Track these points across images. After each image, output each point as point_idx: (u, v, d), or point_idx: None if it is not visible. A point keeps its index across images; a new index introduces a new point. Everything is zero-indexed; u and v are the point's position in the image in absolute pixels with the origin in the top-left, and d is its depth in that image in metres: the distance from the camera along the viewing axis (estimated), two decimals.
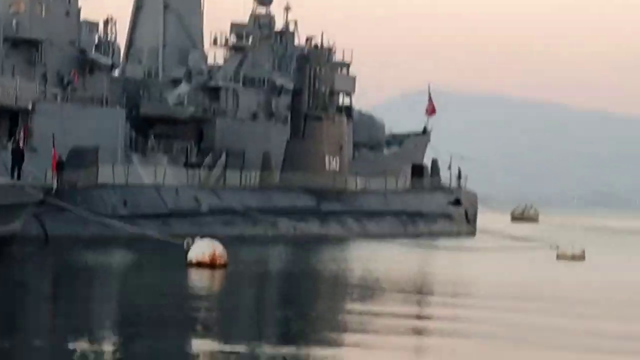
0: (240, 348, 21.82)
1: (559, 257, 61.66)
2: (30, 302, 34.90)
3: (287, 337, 25.65)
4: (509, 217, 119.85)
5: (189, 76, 76.85)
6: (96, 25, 71.63)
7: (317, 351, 21.91)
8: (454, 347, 23.48)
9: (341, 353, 22.33)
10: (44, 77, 65.94)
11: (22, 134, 60.42)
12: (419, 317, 31.74)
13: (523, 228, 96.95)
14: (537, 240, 74.69)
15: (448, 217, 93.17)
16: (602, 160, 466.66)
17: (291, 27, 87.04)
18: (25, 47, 65.48)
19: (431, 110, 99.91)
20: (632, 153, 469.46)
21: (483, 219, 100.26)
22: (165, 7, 79.44)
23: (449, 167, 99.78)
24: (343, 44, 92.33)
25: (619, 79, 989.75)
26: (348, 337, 25.28)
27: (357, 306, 33.63)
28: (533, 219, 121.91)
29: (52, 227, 56.45)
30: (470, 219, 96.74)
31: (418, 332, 27.14)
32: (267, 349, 21.92)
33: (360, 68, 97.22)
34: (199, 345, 22.91)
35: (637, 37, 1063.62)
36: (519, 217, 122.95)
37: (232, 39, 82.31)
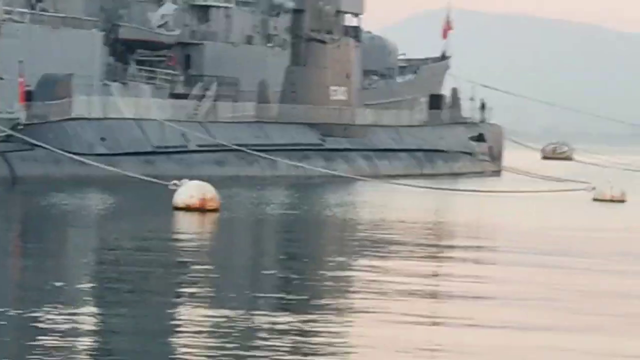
0: (230, 313, 21.51)
1: (594, 199, 62.45)
2: None
3: (284, 302, 25.54)
4: (539, 155, 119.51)
5: None
6: None
7: (319, 319, 21.91)
8: (473, 314, 23.05)
9: (347, 321, 22.32)
10: None
11: None
12: (435, 275, 31.82)
13: (556, 167, 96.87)
14: (572, 181, 74.81)
15: (470, 154, 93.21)
16: None
17: None
18: None
19: (446, 29, 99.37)
20: None
21: (510, 156, 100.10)
22: None
23: (471, 98, 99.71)
24: None
25: None
26: (355, 302, 25.26)
27: (365, 262, 33.67)
28: (567, 157, 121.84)
29: (20, 167, 56.86)
30: (495, 156, 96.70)
31: (434, 295, 27.15)
32: (262, 318, 21.96)
33: None
34: (184, 311, 22.48)
35: None
36: (551, 154, 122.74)
37: None
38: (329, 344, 19.49)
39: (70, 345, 18.81)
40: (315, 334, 20.12)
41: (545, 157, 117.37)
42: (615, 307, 25.32)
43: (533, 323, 21.68)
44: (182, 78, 75.56)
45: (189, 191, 46.72)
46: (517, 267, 32.95)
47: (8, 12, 64.46)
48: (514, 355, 17.69)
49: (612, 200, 61.20)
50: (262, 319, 21.42)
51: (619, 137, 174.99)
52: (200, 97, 73.89)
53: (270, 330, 19.92)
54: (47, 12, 67.47)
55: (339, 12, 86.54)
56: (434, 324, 21.61)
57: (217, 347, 18.56)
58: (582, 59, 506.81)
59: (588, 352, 18.96)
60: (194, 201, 46.03)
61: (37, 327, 20.01)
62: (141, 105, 68.15)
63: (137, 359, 17.23)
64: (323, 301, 25.08)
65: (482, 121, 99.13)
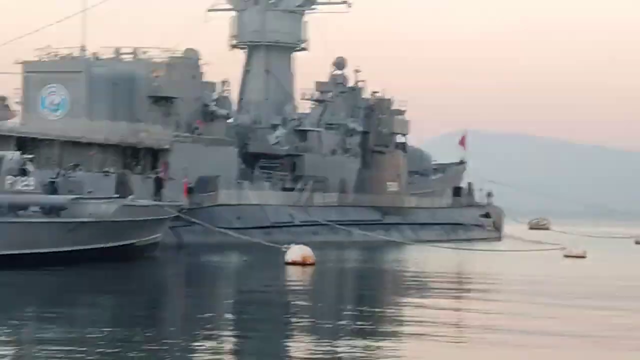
0: (319, 339, 21.74)
1: (565, 255, 61.57)
2: (169, 293, 35.47)
3: (359, 329, 25.38)
4: (527, 226, 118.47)
5: (284, 122, 77.24)
6: (215, 85, 72.06)
7: (383, 343, 21.91)
8: (496, 339, 22.83)
9: (402, 345, 22.28)
10: (177, 124, 66.59)
11: (162, 167, 61.22)
12: (460, 310, 31.64)
13: (538, 234, 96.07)
14: (549, 243, 74.25)
15: (480, 226, 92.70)
16: (602, 181, 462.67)
17: (360, 84, 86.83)
18: (163, 102, 65.93)
19: (462, 142, 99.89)
20: (623, 176, 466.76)
21: (507, 227, 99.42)
22: (267, 71, 79.98)
23: (481, 189, 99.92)
24: (400, 95, 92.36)
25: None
26: (408, 329, 25.17)
27: (413, 299, 33.58)
28: (546, 227, 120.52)
29: (184, 237, 57.31)
30: (497, 228, 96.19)
31: (459, 325, 27.00)
32: (342, 341, 22.02)
33: (413, 112, 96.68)
34: (290, 336, 22.67)
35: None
36: (535, 226, 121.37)
37: (316, 94, 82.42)
38: (389, 357, 19.54)
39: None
40: (382, 352, 20.21)
41: (531, 228, 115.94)
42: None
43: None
44: (289, 177, 75.16)
45: (295, 252, 46.77)
46: (521, 303, 32.10)
47: (176, 136, 65.01)
48: None
49: (577, 257, 60.64)
50: (341, 342, 21.58)
51: (581, 214, 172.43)
52: (302, 190, 73.76)
53: (349, 351, 20.06)
54: (202, 135, 67.96)
55: (392, 133, 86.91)
56: (462, 345, 21.66)
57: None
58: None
59: None
60: (298, 258, 46.03)
61: (193, 348, 20.25)
62: (263, 196, 68.42)
63: None
64: (386, 329, 25.07)
65: (489, 204, 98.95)
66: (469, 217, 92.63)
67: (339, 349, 20.35)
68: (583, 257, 60.83)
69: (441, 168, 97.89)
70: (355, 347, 20.56)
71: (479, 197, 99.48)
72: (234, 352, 20.53)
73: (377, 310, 29.27)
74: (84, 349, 19.04)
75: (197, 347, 20.08)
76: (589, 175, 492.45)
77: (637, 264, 60.76)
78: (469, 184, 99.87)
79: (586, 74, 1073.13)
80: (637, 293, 37.43)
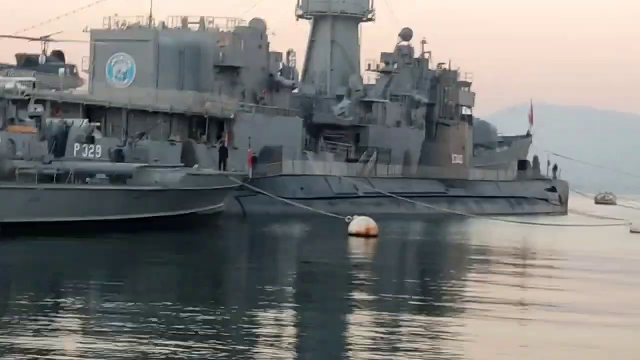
0: (379, 312, 21.54)
1: (631, 231, 60.71)
2: (232, 263, 35.59)
3: (420, 303, 25.14)
4: (593, 201, 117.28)
5: (349, 93, 77.04)
6: (281, 55, 72.21)
7: (444, 319, 21.66)
8: (556, 317, 22.43)
9: (463, 321, 21.97)
10: (242, 94, 66.78)
11: (226, 137, 61.48)
12: (521, 286, 31.30)
13: (604, 209, 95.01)
14: (615, 219, 73.30)
15: (545, 200, 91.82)
16: None
17: (426, 56, 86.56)
18: (229, 72, 66.23)
19: (530, 119, 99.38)
20: None
21: (573, 202, 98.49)
22: (332, 41, 79.84)
23: (548, 162, 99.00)
24: (466, 67, 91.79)
25: None
26: (467, 305, 24.86)
27: (474, 274, 33.31)
28: (612, 202, 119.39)
29: (248, 206, 57.56)
30: (563, 202, 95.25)
31: (522, 302, 26.55)
32: (404, 316, 21.81)
33: (479, 85, 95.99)
34: (349, 309, 22.29)
35: None
36: (600, 201, 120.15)
37: (382, 65, 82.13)
38: (450, 334, 19.31)
39: (276, 332, 18.93)
40: (442, 327, 20.01)
41: (596, 202, 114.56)
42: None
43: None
44: (353, 148, 75.15)
45: (358, 223, 46.74)
46: (585, 280, 31.52)
47: (242, 106, 65.14)
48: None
49: None
50: (403, 316, 21.42)
51: None
52: (366, 161, 73.68)
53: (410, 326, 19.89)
54: (267, 105, 68.10)
55: (458, 105, 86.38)
56: (524, 322, 21.37)
57: (370, 336, 18.56)
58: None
59: None
60: (361, 230, 46.01)
61: (256, 319, 20.19)
62: (327, 167, 68.38)
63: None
64: (447, 304, 24.83)
65: (554, 178, 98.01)
66: (534, 191, 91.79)
67: (400, 324, 20.31)
68: None
69: (507, 141, 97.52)
70: (415, 321, 20.48)
71: (544, 170, 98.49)
72: (296, 324, 20.55)
73: (439, 284, 29.03)
74: (148, 320, 19.13)
75: (259, 319, 20.14)
76: None
77: None
78: (535, 157, 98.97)
79: None
80: None
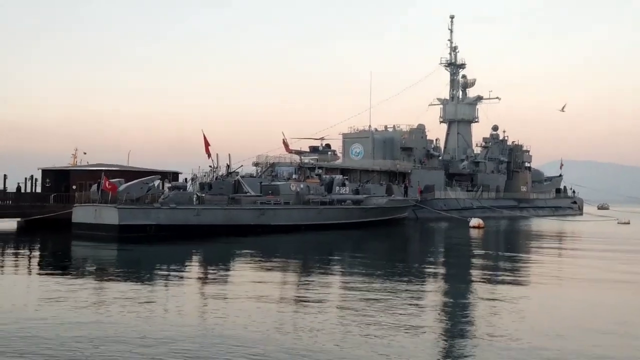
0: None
1: (618, 222, 57.05)
2: (411, 240, 35.70)
3: (510, 256, 24.52)
4: (596, 208, 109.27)
5: (467, 158, 76.44)
6: (432, 140, 71.59)
7: (522, 262, 21.07)
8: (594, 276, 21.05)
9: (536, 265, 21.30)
10: (414, 160, 66.96)
11: (407, 181, 61.36)
12: (559, 249, 30.12)
13: (602, 212, 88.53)
14: (609, 217, 68.74)
15: (571, 208, 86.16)
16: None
17: (506, 138, 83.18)
18: (408, 150, 67.04)
19: (560, 167, 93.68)
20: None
21: (586, 208, 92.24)
22: (458, 133, 79.24)
23: (572, 189, 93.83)
24: (526, 142, 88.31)
25: None
26: (531, 267, 24.13)
27: (533, 248, 32.15)
28: (607, 208, 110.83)
29: (419, 214, 56.50)
30: (580, 209, 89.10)
31: (560, 264, 25.57)
32: (501, 262, 21.21)
33: (534, 150, 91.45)
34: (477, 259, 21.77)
35: None
36: (600, 207, 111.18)
37: (483, 143, 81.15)
38: (530, 273, 18.87)
39: (433, 270, 19.09)
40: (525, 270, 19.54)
41: (598, 209, 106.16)
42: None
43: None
44: (470, 185, 73.32)
45: (474, 221, 46.15)
46: (596, 248, 29.59)
47: (414, 166, 64.87)
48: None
49: (624, 223, 55.85)
50: (500, 263, 20.97)
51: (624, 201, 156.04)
52: (477, 191, 71.58)
53: (499, 277, 19.40)
54: (426, 165, 67.58)
55: (523, 162, 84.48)
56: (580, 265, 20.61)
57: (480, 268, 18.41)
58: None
59: None
60: (476, 224, 45.38)
61: (422, 270, 20.35)
62: (457, 194, 66.87)
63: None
64: (522, 259, 24.11)
65: (575, 196, 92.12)
66: (564, 204, 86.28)
67: (498, 267, 20.21)
68: (628, 223, 56.10)
69: (549, 179, 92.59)
70: (504, 266, 20.31)
71: (569, 193, 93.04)
72: (439, 274, 20.71)
73: (516, 253, 28.45)
74: (372, 271, 19.71)
75: (424, 269, 20.56)
76: (633, 179, 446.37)
77: None
78: (564, 187, 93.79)
79: None
80: None
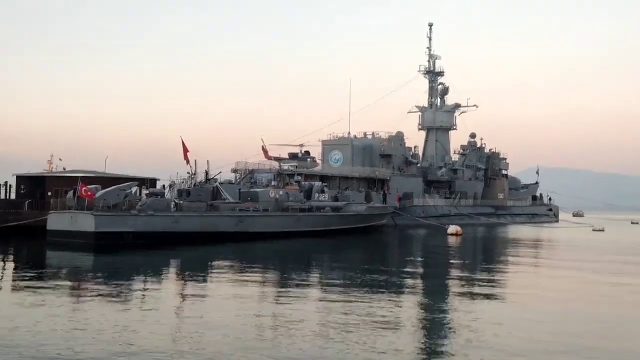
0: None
1: (593, 230, 57.76)
2: (390, 247, 35.77)
3: (485, 268, 24.63)
4: (571, 215, 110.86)
5: (445, 165, 77.14)
6: (411, 148, 72.26)
7: (499, 272, 21.20)
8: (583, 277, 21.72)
9: (509, 279, 21.53)
10: (393, 167, 67.28)
11: (386, 188, 61.50)
12: (535, 257, 30.49)
13: (577, 219, 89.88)
14: (584, 224, 69.73)
15: (547, 215, 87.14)
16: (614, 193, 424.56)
17: (483, 145, 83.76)
18: (386, 157, 67.40)
19: (537, 173, 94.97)
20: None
21: (561, 215, 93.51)
22: (436, 140, 80.00)
23: (548, 196, 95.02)
24: (503, 149, 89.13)
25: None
26: (511, 267, 24.24)
27: (510, 255, 32.47)
28: (582, 215, 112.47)
29: (397, 221, 56.31)
30: (556, 216, 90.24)
31: (537, 265, 25.74)
32: (476, 275, 21.39)
33: (511, 157, 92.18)
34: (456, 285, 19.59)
35: None
36: (575, 214, 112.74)
37: (461, 150, 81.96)
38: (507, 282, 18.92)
39: (411, 275, 18.96)
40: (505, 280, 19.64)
41: (573, 215, 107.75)
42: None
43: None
44: (447, 192, 73.93)
45: (452, 228, 46.40)
46: (570, 253, 30.46)
47: (392, 173, 65.18)
48: None
49: (598, 230, 56.73)
50: (476, 275, 21.11)
51: (600, 209, 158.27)
52: (454, 198, 72.29)
53: (479, 279, 19.51)
54: (405, 172, 67.95)
55: (500, 169, 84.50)
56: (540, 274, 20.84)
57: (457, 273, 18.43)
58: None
59: None
60: (454, 231, 45.61)
61: (402, 272, 20.26)
62: (435, 201, 67.33)
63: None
64: (498, 267, 24.32)
65: (551, 204, 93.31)
66: (540, 211, 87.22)
67: (475, 278, 20.38)
68: (602, 230, 56.92)
69: (525, 186, 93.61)
70: (482, 278, 20.49)
71: (545, 200, 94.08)
72: (419, 275, 20.79)
73: (495, 260, 28.73)
74: (349, 276, 19.70)
75: (404, 272, 20.63)
76: (607, 186, 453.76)
77: (631, 234, 56.07)
78: (540, 194, 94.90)
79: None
80: (634, 249, 34.90)
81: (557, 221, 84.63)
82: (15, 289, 15.87)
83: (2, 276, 18.87)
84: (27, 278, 18.27)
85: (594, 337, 10.85)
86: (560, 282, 18.37)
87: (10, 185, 39.68)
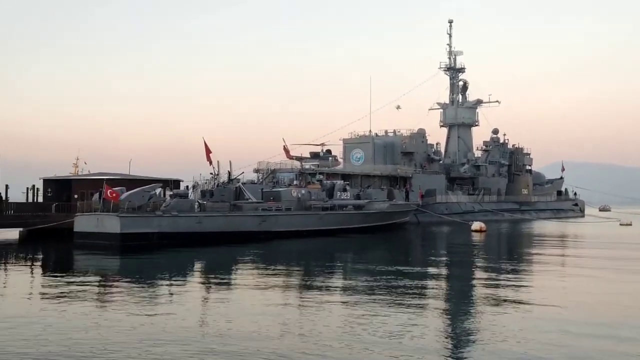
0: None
1: (620, 224, 56.99)
2: (413, 244, 35.69)
3: (510, 269, 24.48)
4: (597, 210, 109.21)
5: (468, 162, 76.61)
6: (433, 145, 72.00)
7: (526, 276, 21.09)
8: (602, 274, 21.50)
9: (532, 276, 21.30)
10: (415, 164, 67.05)
11: (408, 186, 61.51)
12: (562, 255, 30.11)
13: (605, 214, 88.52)
14: (611, 218, 68.73)
15: (572, 210, 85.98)
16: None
17: (506, 141, 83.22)
18: (408, 154, 67.11)
19: (562, 170, 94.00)
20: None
21: (587, 210, 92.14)
22: (458, 137, 79.73)
23: (574, 191, 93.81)
24: (527, 144, 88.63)
25: None
26: (534, 267, 24.05)
27: (536, 250, 32.15)
28: (608, 209, 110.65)
29: (420, 218, 56.43)
30: (582, 211, 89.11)
31: (563, 264, 25.57)
32: (501, 275, 21.26)
33: (535, 153, 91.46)
34: (480, 278, 19.26)
35: None
36: (602, 209, 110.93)
37: (484, 147, 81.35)
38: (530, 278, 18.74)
39: (435, 271, 18.87)
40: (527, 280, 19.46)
41: (600, 210, 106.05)
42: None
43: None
44: (471, 188, 73.47)
45: (476, 225, 46.05)
46: (598, 248, 30.12)
47: (415, 171, 64.98)
48: None
49: (626, 224, 55.87)
50: (501, 275, 20.99)
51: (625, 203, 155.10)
52: (478, 195, 71.44)
53: (502, 278, 19.39)
54: (427, 169, 67.79)
55: (524, 164, 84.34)
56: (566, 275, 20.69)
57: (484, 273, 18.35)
58: None
59: None
60: (477, 228, 45.28)
61: (425, 271, 20.22)
62: (458, 198, 67.01)
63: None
64: (524, 267, 24.19)
65: (576, 198, 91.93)
66: (566, 206, 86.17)
67: (498, 277, 20.25)
68: (630, 224, 56.19)
69: (550, 181, 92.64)
70: (507, 275, 20.34)
71: (570, 195, 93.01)
72: (444, 276, 20.64)
73: (519, 255, 28.52)
74: (374, 277, 19.57)
75: (427, 270, 20.56)
76: (634, 180, 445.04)
77: None
78: (566, 189, 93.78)
79: None
80: None
81: (582, 216, 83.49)
82: (44, 289, 16.15)
83: (33, 278, 19.18)
84: (55, 279, 18.55)
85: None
86: (588, 284, 17.66)
87: (37, 189, 40.58)
